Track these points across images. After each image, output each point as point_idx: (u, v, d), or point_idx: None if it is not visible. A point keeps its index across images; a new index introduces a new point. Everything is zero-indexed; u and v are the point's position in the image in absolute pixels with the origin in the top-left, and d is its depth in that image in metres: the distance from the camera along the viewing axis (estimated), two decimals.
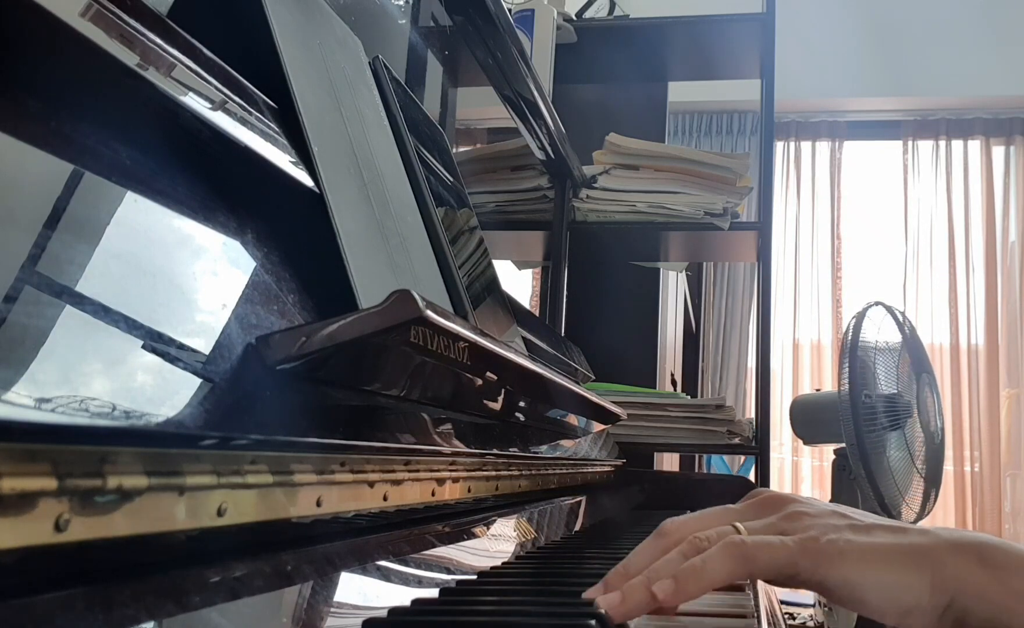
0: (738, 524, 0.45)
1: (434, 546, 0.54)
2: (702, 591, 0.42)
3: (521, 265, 2.16)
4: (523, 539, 0.73)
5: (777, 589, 0.58)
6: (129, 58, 0.35)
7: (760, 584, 0.65)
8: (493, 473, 0.67)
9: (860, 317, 2.18)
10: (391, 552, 0.48)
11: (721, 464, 3.36)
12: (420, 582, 0.48)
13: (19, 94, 0.30)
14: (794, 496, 0.48)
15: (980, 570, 0.41)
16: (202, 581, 0.32)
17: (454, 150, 1.96)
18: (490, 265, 0.92)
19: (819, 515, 0.45)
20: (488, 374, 0.56)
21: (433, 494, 0.54)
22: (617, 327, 1.94)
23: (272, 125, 0.49)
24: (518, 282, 3.30)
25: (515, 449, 0.75)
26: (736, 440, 1.62)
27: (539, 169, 1.70)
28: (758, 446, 1.66)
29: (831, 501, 2.43)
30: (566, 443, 0.99)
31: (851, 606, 0.42)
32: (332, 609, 0.39)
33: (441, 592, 0.48)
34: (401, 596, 0.44)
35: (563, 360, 1.26)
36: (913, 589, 0.41)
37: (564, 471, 0.94)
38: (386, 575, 0.46)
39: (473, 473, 0.62)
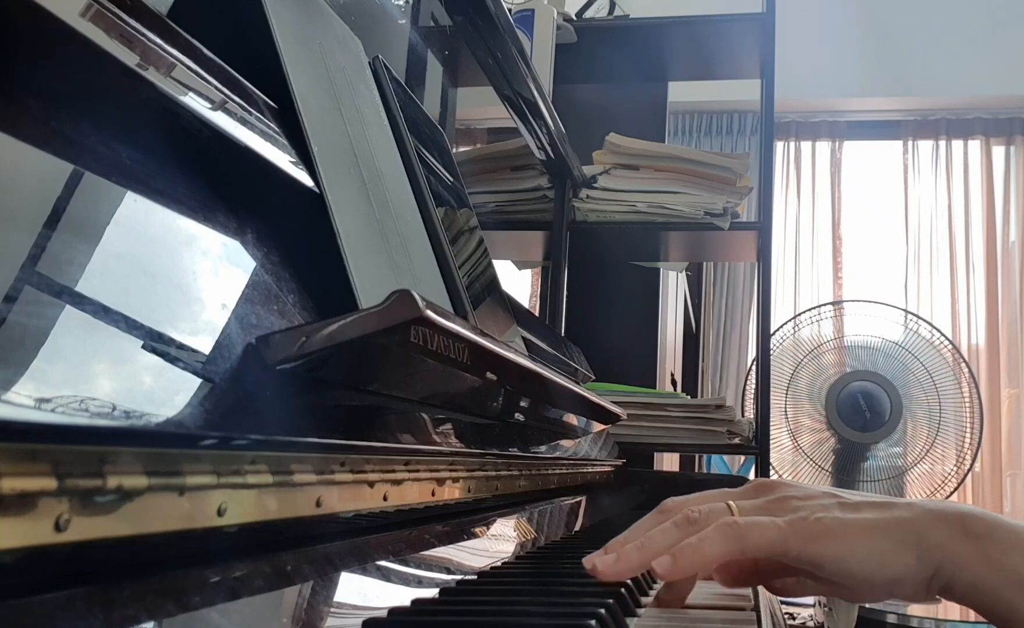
0: (731, 503, 0.48)
1: (434, 546, 0.54)
2: (698, 567, 0.45)
3: (521, 265, 2.15)
4: (523, 539, 0.73)
5: None
6: (129, 58, 0.35)
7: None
8: (493, 473, 0.67)
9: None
10: (391, 552, 0.48)
11: (721, 464, 3.36)
12: (420, 582, 0.48)
13: (19, 94, 0.30)
14: (787, 482, 0.51)
15: (963, 540, 0.43)
16: (202, 581, 0.32)
17: (454, 150, 1.96)
18: (490, 265, 0.92)
19: (809, 497, 0.47)
20: (488, 374, 0.56)
21: (433, 494, 0.54)
22: (617, 327, 1.94)
23: (272, 125, 0.49)
24: (518, 282, 3.30)
25: (515, 449, 0.75)
26: (736, 440, 1.62)
27: (539, 169, 1.70)
28: (758, 446, 1.66)
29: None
30: (566, 443, 0.99)
31: (841, 579, 0.44)
32: (332, 609, 0.39)
33: (441, 592, 0.48)
34: (401, 596, 0.44)
35: (563, 360, 1.26)
36: (899, 560, 0.43)
37: (564, 471, 0.94)
38: (386, 575, 0.46)
39: (473, 473, 0.62)
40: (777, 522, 0.45)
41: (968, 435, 2.74)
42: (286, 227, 0.45)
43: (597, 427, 1.17)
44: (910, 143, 4.18)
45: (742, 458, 3.27)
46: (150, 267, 0.33)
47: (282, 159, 0.48)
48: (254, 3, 0.53)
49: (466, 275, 0.78)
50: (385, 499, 0.46)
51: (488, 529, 0.65)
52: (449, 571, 0.53)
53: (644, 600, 0.54)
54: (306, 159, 0.51)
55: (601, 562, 0.46)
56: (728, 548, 0.44)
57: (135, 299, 0.31)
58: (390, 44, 1.28)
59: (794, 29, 3.25)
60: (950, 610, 1.80)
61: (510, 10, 1.35)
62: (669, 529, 0.47)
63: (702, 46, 1.93)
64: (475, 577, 0.54)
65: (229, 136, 0.42)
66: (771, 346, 2.07)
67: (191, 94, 0.40)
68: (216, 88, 0.43)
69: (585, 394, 0.86)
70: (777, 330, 2.89)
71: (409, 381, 0.49)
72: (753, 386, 2.59)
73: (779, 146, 4.20)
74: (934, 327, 2.88)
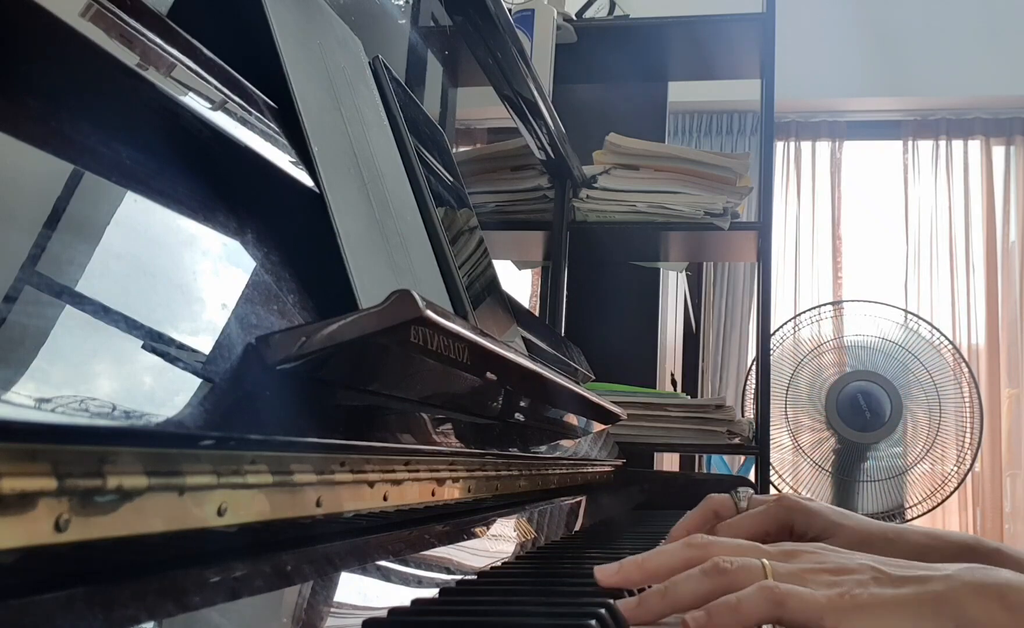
0: (766, 562, 0.45)
1: (434, 546, 0.54)
2: (733, 627, 0.42)
3: (521, 265, 2.15)
4: (523, 539, 0.73)
5: None
6: (129, 58, 0.35)
7: None
8: (493, 473, 0.67)
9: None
10: (391, 552, 0.48)
11: (721, 464, 3.36)
12: (420, 582, 0.48)
13: (19, 94, 0.30)
14: (820, 546, 0.48)
15: (1001, 614, 0.42)
16: (202, 581, 0.32)
17: (454, 150, 1.96)
18: (490, 265, 0.92)
19: (845, 569, 0.45)
20: (488, 374, 0.56)
21: (433, 494, 0.54)
22: (617, 327, 1.94)
23: (272, 125, 0.49)
24: (518, 282, 3.30)
25: (515, 449, 0.75)
26: (736, 440, 1.62)
27: (539, 169, 1.70)
28: (758, 446, 1.66)
29: (832, 500, 2.49)
30: (566, 443, 0.99)
31: None
32: (332, 609, 0.39)
33: (441, 592, 0.48)
34: (401, 596, 0.44)
35: (563, 360, 1.26)
36: None
37: (564, 471, 0.94)
38: (386, 575, 0.46)
39: (473, 473, 0.62)
40: (816, 595, 0.43)
41: (968, 435, 2.75)
42: (286, 227, 0.45)
43: (597, 427, 1.17)
44: (910, 143, 4.18)
45: (742, 458, 3.27)
46: (150, 267, 0.33)
47: (282, 159, 0.48)
48: (254, 3, 0.53)
49: (466, 275, 0.78)
50: (385, 499, 0.46)
51: (488, 529, 0.65)
52: (449, 571, 0.53)
53: None
54: (306, 159, 0.51)
55: (622, 605, 0.43)
56: (766, 613, 0.42)
57: (135, 299, 0.31)
58: (390, 44, 1.28)
59: (794, 29, 3.24)
60: None
61: (510, 10, 1.35)
62: (697, 577, 0.44)
63: (702, 46, 1.93)
64: (475, 577, 0.54)
65: (229, 136, 0.42)
66: (771, 346, 2.07)
67: (191, 94, 0.40)
68: (216, 88, 0.43)
69: (585, 394, 0.86)
70: (777, 330, 2.90)
71: (409, 381, 0.49)
72: (753, 386, 2.60)
73: (779, 146, 4.20)
74: (934, 327, 2.88)
